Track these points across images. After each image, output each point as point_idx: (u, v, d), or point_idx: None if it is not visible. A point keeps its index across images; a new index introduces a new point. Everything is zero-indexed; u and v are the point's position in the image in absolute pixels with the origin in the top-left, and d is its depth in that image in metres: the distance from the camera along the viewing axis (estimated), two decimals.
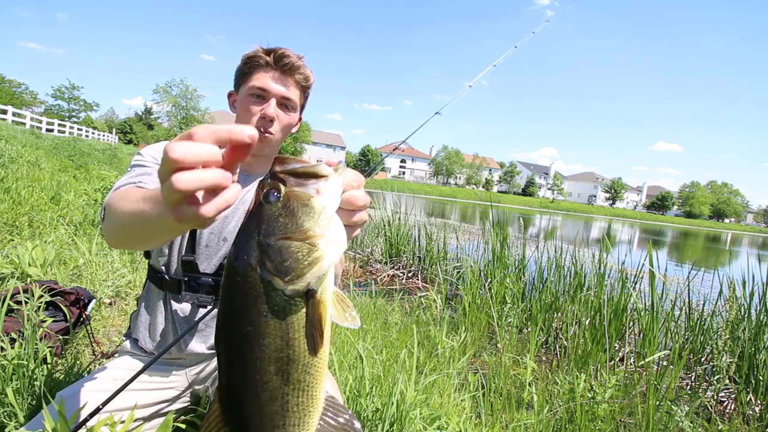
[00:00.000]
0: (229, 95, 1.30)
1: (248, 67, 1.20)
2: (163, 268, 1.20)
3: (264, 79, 1.18)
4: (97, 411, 0.93)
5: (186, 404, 1.26)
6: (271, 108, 1.19)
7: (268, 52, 1.19)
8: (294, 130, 1.32)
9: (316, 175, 0.50)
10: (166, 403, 1.20)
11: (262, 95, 1.19)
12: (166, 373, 1.22)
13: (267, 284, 0.49)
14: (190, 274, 1.18)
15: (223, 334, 0.53)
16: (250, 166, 1.26)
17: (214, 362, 1.26)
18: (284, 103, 1.22)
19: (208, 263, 1.21)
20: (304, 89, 1.27)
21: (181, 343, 1.21)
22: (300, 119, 1.33)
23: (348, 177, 0.56)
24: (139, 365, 1.19)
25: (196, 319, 1.17)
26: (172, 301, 1.20)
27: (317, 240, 0.48)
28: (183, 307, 1.20)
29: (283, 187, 0.49)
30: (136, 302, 1.33)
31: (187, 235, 1.18)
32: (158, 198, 0.62)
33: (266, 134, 1.21)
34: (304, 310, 0.50)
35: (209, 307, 1.18)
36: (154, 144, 1.23)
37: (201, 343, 1.24)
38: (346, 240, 0.52)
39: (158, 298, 1.22)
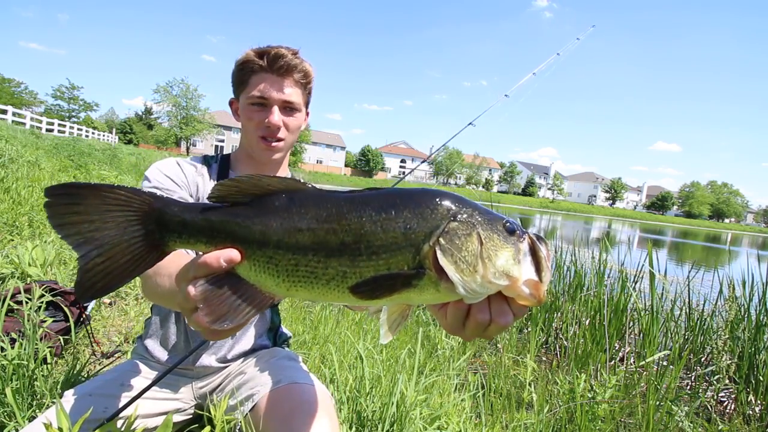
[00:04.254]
0: (231, 103, 1.27)
1: (243, 73, 1.16)
2: None
3: (262, 86, 1.14)
4: (101, 425, 0.93)
5: (190, 416, 1.25)
6: (275, 116, 1.15)
7: (260, 54, 1.14)
8: (302, 127, 1.29)
9: (539, 268, 0.52)
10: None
11: (264, 103, 1.15)
12: (173, 384, 1.21)
13: (435, 227, 0.51)
14: None
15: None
16: (263, 172, 1.24)
17: (223, 375, 1.25)
18: (287, 107, 1.18)
19: None
20: (306, 85, 1.22)
21: (191, 356, 1.19)
22: (307, 114, 1.30)
23: (523, 312, 0.54)
24: (150, 372, 1.18)
25: None
26: None
27: (481, 271, 0.49)
28: None
29: (527, 239, 0.53)
30: (136, 301, 1.33)
31: None
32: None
33: (274, 144, 1.18)
34: (405, 268, 0.51)
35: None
36: (160, 164, 1.17)
37: (212, 356, 1.23)
38: (476, 299, 0.51)
39: (170, 309, 1.19)
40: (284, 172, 1.34)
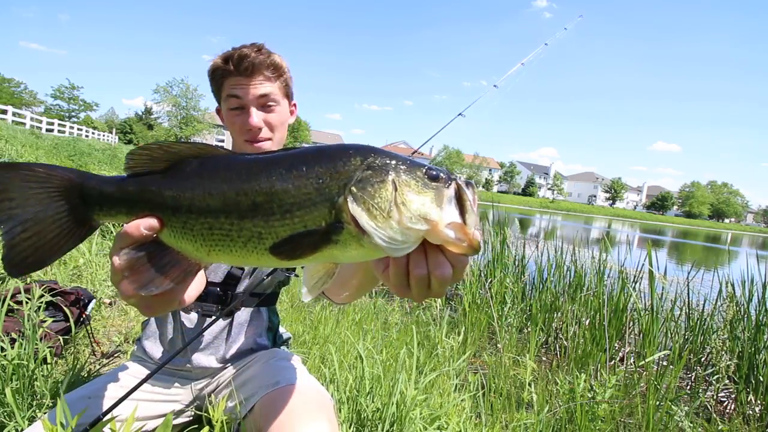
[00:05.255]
0: (218, 112, 1.27)
1: (216, 81, 1.18)
2: None
3: (233, 90, 1.14)
4: (97, 421, 0.93)
5: (189, 417, 1.24)
6: (254, 117, 1.14)
7: (226, 59, 1.14)
8: (291, 120, 1.28)
9: (462, 211, 0.50)
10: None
11: (240, 106, 1.16)
12: (172, 386, 1.20)
13: (348, 178, 0.49)
14: None
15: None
16: None
17: (222, 376, 1.25)
18: (264, 104, 1.17)
19: (215, 273, 1.20)
20: (279, 77, 1.19)
21: (188, 354, 1.19)
22: (294, 105, 1.29)
23: (464, 263, 0.52)
24: (147, 373, 1.18)
25: (201, 329, 1.16)
26: (181, 311, 1.18)
27: (396, 216, 0.48)
28: (191, 317, 1.19)
29: (453, 185, 0.50)
30: None
31: None
32: None
33: (259, 144, 1.18)
34: (323, 224, 0.49)
35: (213, 318, 1.16)
36: None
37: (210, 356, 1.22)
38: (401, 251, 0.49)
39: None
40: None
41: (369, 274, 0.85)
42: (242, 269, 1.23)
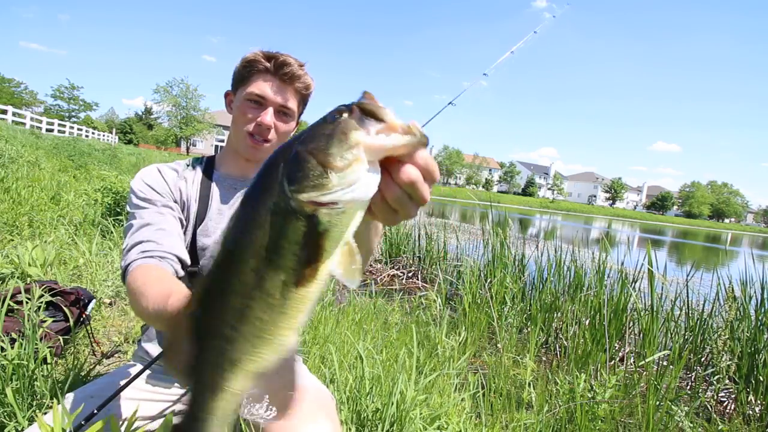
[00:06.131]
0: (226, 95, 1.28)
1: (247, 71, 1.18)
2: None
3: (263, 87, 1.16)
4: (92, 415, 0.93)
5: None
6: (269, 117, 1.16)
7: (268, 57, 1.16)
8: (291, 134, 1.31)
9: (376, 117, 0.49)
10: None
11: (260, 102, 1.17)
12: (170, 385, 1.20)
13: (280, 184, 0.49)
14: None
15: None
16: (247, 171, 1.25)
17: None
18: (282, 111, 1.20)
19: None
20: (304, 97, 1.25)
21: None
22: (298, 123, 1.32)
23: (421, 157, 0.51)
24: (149, 374, 1.18)
25: None
26: None
27: (331, 169, 0.47)
28: None
29: (353, 108, 0.49)
30: None
31: (189, 245, 1.17)
32: None
33: (262, 143, 1.20)
34: (304, 229, 0.49)
35: None
36: (143, 173, 1.20)
37: None
38: (367, 187, 0.49)
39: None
40: None
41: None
42: None
